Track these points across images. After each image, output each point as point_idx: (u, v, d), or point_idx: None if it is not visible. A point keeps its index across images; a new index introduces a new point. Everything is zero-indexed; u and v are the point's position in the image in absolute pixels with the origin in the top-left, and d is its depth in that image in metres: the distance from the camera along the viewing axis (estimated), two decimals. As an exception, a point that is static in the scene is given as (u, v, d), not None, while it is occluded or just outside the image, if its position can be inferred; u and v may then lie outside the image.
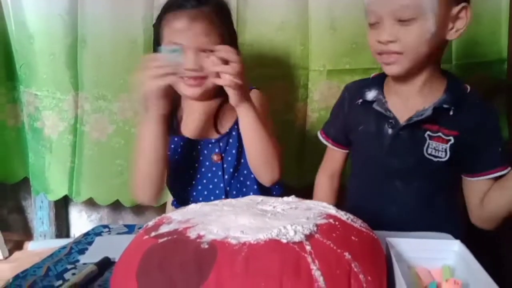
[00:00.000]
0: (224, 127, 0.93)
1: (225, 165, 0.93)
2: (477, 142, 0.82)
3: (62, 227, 1.43)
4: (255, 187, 0.94)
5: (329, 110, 1.05)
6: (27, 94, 1.25)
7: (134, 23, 1.18)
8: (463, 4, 0.77)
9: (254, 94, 0.89)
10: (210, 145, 0.92)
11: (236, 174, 0.93)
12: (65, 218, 1.45)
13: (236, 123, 0.91)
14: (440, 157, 0.82)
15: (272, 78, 1.19)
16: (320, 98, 1.20)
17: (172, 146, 0.93)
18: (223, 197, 0.92)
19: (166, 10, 0.88)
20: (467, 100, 0.82)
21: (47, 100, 1.22)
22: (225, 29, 0.88)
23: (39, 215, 1.39)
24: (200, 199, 0.93)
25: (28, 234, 1.43)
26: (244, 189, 0.93)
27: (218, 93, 0.91)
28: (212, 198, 0.92)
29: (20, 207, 1.45)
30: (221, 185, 0.93)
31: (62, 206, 1.42)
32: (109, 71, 1.20)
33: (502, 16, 1.15)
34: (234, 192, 0.93)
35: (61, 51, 1.19)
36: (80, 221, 1.46)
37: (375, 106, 0.86)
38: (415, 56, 0.79)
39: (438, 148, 0.82)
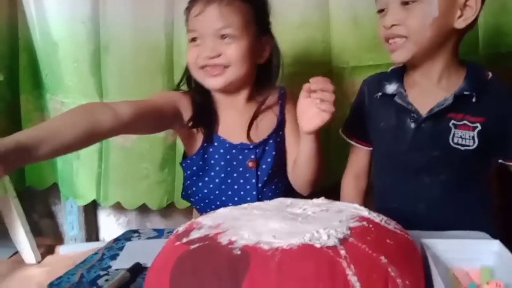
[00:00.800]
0: (259, 134, 0.91)
1: (259, 173, 0.91)
2: (506, 127, 0.81)
3: (91, 231, 1.46)
4: (289, 195, 0.93)
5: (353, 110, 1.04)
6: (54, 102, 1.28)
7: (156, 28, 1.19)
8: None
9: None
10: (246, 151, 0.90)
11: (269, 183, 0.92)
12: (94, 222, 1.48)
13: (275, 131, 0.91)
14: (468, 145, 0.80)
15: (293, 76, 1.17)
16: (344, 95, 1.18)
17: (206, 144, 0.91)
18: None
19: (190, 2, 0.88)
20: (490, 86, 0.81)
21: (73, 107, 1.24)
22: (250, 16, 0.85)
23: (69, 219, 1.42)
24: (230, 204, 0.92)
25: (59, 239, 1.46)
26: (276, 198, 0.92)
27: (243, 88, 0.90)
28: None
29: (50, 212, 1.49)
30: (254, 192, 0.91)
31: (91, 211, 1.45)
32: (132, 76, 1.21)
33: (529, 5, 1.11)
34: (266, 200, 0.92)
35: (85, 58, 1.21)
36: (109, 225, 1.49)
37: (396, 99, 0.85)
38: (420, 40, 0.78)
39: (464, 136, 0.80)
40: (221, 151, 0.91)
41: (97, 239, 1.48)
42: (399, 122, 0.86)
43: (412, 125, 0.84)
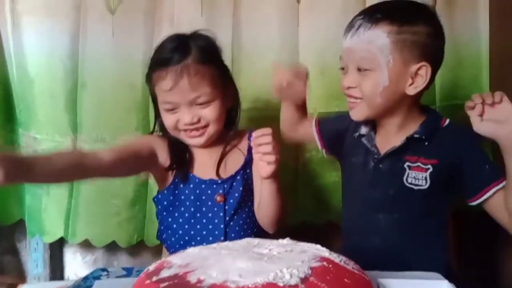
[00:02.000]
0: (228, 171, 0.96)
1: (226, 207, 0.95)
2: (461, 166, 0.86)
3: (56, 269, 1.42)
4: (255, 230, 0.97)
5: (319, 150, 1.09)
6: (26, 137, 1.27)
7: (134, 67, 1.23)
8: (422, 63, 0.83)
9: None
10: (215, 186, 0.95)
11: (236, 217, 0.96)
12: (60, 260, 1.44)
13: (243, 168, 0.97)
14: (421, 185, 0.86)
15: (265, 120, 1.23)
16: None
17: (177, 180, 0.96)
18: (222, 238, 0.94)
19: (152, 69, 0.93)
20: (445, 132, 0.88)
21: (46, 143, 1.25)
22: (214, 70, 0.92)
23: (34, 257, 1.38)
24: (198, 238, 0.94)
25: (21, 277, 1.41)
26: (242, 233, 0.95)
27: (222, 136, 0.96)
28: (210, 238, 0.94)
29: (14, 249, 1.44)
30: (221, 225, 0.95)
31: (56, 248, 1.42)
32: (109, 113, 1.24)
33: (482, 61, 1.22)
34: (233, 235, 0.95)
35: (61, 95, 1.23)
36: (75, 263, 1.45)
37: (363, 140, 0.93)
38: (372, 104, 0.86)
39: (418, 177, 0.86)
40: (191, 186, 0.95)
41: (61, 277, 1.44)
42: (364, 161, 0.93)
43: (372, 164, 0.91)
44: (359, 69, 0.85)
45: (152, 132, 1.03)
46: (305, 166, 1.24)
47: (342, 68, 0.90)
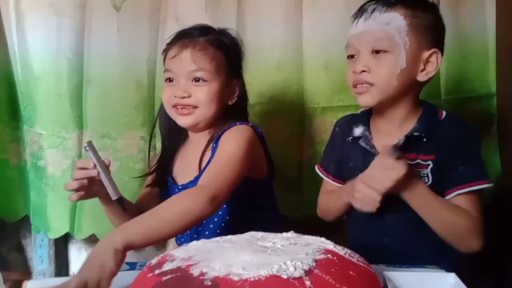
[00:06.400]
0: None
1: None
2: (457, 163, 0.84)
3: (61, 265, 1.43)
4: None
5: (323, 144, 1.09)
6: (31, 134, 1.28)
7: (139, 63, 1.24)
8: (433, 50, 0.83)
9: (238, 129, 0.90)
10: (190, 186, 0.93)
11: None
12: (65, 256, 1.45)
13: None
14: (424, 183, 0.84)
15: (270, 115, 1.23)
16: (315, 133, 1.25)
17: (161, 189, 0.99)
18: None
19: (169, 43, 0.94)
20: (442, 126, 0.87)
21: (52, 139, 1.25)
22: (223, 58, 0.92)
23: (39, 253, 1.38)
24: (206, 233, 0.94)
25: (27, 273, 1.42)
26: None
27: (212, 126, 0.94)
28: (218, 231, 0.94)
29: (20, 245, 1.45)
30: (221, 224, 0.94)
31: (61, 244, 1.42)
32: (114, 109, 1.24)
33: (489, 53, 1.21)
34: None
35: (67, 92, 1.24)
36: (80, 259, 1.45)
37: (360, 142, 0.90)
38: (386, 88, 0.84)
39: (419, 175, 0.84)
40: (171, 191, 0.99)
41: (66, 274, 1.45)
42: (364, 164, 0.88)
43: None
44: (375, 52, 0.83)
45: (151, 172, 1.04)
46: (310, 160, 1.23)
47: (351, 56, 0.89)
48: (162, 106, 0.99)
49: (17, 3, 1.22)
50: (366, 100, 0.87)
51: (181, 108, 0.91)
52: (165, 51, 0.95)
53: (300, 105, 1.23)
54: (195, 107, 0.91)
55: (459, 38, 1.18)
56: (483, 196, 0.88)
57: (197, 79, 0.90)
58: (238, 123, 0.92)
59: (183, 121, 0.93)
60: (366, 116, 0.95)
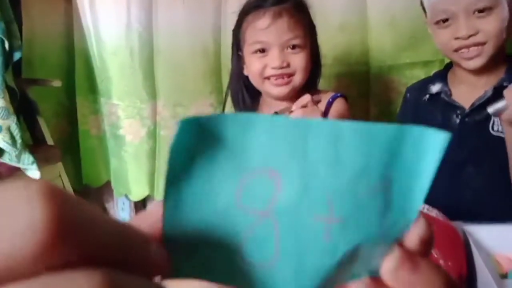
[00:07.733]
0: None
1: None
2: None
3: (142, 227, 1.55)
4: None
5: (390, 103, 1.09)
6: (109, 105, 1.38)
7: (205, 32, 1.28)
8: None
9: (339, 103, 0.92)
10: None
11: None
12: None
13: None
14: None
15: (334, 76, 1.25)
16: (381, 92, 1.25)
17: None
18: None
19: (246, 13, 0.92)
20: None
21: (128, 110, 1.35)
22: (306, 24, 0.91)
23: (121, 216, 1.51)
24: None
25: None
26: None
27: (302, 92, 0.92)
28: None
29: (103, 209, 1.59)
30: None
31: (141, 208, 1.54)
32: (184, 79, 1.31)
33: None
34: None
35: (139, 64, 1.31)
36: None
37: (443, 96, 0.90)
38: (498, 43, 0.82)
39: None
40: None
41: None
42: (445, 119, 0.90)
43: (457, 120, 0.89)
44: (478, 11, 0.81)
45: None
46: (376, 120, 1.25)
47: (443, 21, 0.84)
48: (232, 76, 0.99)
49: (89, -18, 1.30)
50: (477, 63, 0.84)
51: (277, 79, 0.89)
52: (241, 21, 0.92)
53: (365, 65, 1.24)
54: (292, 75, 0.89)
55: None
56: None
57: (292, 47, 0.88)
58: (339, 94, 0.93)
59: (280, 91, 0.90)
60: (441, 74, 0.95)
